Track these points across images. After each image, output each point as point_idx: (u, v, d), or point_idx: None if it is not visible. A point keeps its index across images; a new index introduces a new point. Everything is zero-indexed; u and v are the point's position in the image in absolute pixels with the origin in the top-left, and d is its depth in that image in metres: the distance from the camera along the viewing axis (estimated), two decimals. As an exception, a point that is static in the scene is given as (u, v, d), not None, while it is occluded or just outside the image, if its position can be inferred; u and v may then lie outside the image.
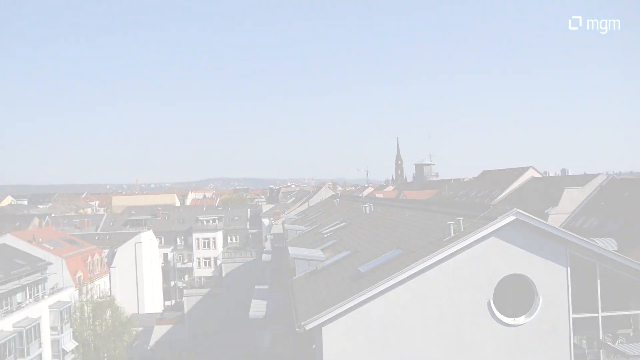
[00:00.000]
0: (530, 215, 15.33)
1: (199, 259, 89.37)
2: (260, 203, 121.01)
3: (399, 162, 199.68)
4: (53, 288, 51.77)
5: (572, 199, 42.53)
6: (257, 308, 22.36)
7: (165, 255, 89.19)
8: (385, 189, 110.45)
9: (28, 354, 41.73)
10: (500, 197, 53.45)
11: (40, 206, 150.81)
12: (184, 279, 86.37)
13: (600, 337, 16.13)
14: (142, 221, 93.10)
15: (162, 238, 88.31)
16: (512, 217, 15.09)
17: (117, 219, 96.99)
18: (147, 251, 73.73)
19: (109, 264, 68.92)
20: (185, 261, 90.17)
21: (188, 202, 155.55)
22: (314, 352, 15.86)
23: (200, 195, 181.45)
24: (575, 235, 15.83)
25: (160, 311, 70.85)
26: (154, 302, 74.37)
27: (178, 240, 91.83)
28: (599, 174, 45.07)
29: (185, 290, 63.49)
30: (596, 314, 15.91)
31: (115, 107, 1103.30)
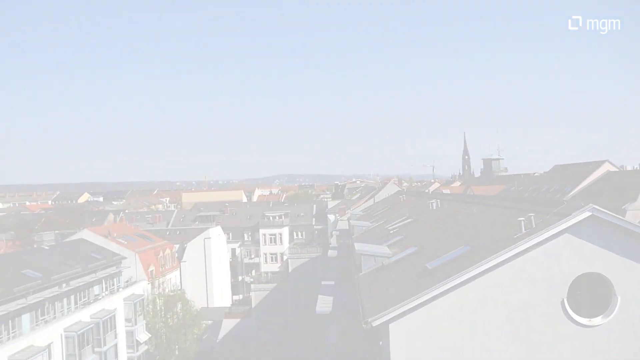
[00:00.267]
0: (607, 211, 14.65)
1: (265, 254, 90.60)
2: (325, 199, 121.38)
3: (466, 157, 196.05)
4: (127, 281, 53.61)
5: (651, 194, 40.44)
6: (324, 304, 22.42)
7: (233, 250, 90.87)
8: (452, 185, 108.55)
9: (105, 344, 43.33)
10: (573, 192, 51.44)
11: (114, 203, 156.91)
12: (251, 274, 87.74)
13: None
14: (211, 217, 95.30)
15: (230, 233, 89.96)
16: (587, 213, 14.47)
17: (186, 215, 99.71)
18: (216, 246, 75.25)
19: (180, 258, 70.83)
20: (253, 256, 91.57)
21: (255, 198, 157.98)
22: (380, 348, 15.75)
23: (266, 192, 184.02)
24: (657, 232, 15.01)
25: (229, 305, 72.20)
26: (222, 296, 75.90)
27: (245, 235, 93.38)
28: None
29: (252, 285, 64.39)
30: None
31: (184, 107, 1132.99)
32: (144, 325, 50.91)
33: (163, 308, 55.05)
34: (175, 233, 79.74)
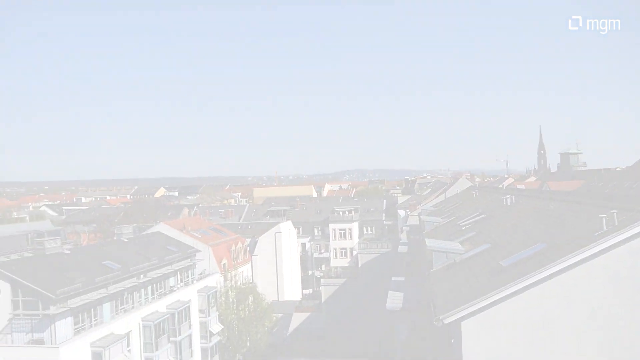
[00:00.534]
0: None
1: (335, 249, 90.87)
2: (395, 194, 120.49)
3: (542, 151, 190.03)
4: (201, 274, 55.00)
5: None
6: (394, 300, 22.25)
7: (303, 245, 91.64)
8: (527, 180, 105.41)
9: (179, 334, 44.64)
10: (658, 188, 48.81)
11: (189, 197, 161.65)
12: (321, 268, 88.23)
13: None
14: (282, 212, 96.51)
15: (300, 228, 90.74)
16: (677, 210, 13.62)
17: (258, 210, 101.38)
18: (286, 241, 76.07)
19: (251, 252, 72.06)
20: (322, 251, 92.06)
21: (325, 193, 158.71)
22: (452, 346, 15.42)
23: (336, 187, 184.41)
24: None
25: (299, 299, 72.92)
26: (292, 290, 76.68)
27: (315, 230, 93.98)
28: None
29: (322, 280, 64.72)
30: None
31: (256, 104, 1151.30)
32: (217, 316, 52.05)
33: (235, 300, 56.09)
34: (246, 227, 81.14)
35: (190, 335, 46.79)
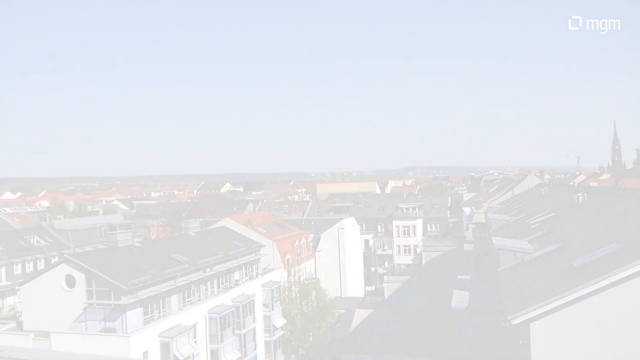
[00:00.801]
0: None
1: (398, 246, 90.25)
2: (460, 191, 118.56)
3: (617, 147, 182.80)
4: (265, 268, 55.72)
5: None
6: (460, 298, 21.84)
7: (366, 241, 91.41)
8: (600, 177, 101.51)
9: (244, 327, 45.41)
10: None
11: (254, 193, 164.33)
12: (384, 265, 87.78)
13: None
14: (345, 208, 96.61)
15: (364, 225, 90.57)
16: None
17: (321, 206, 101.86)
18: (350, 237, 76.09)
19: (314, 248, 72.47)
20: (386, 248, 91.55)
21: (388, 189, 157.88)
22: (520, 348, 14.98)
23: (400, 183, 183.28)
24: None
25: (362, 296, 72.78)
26: (355, 286, 76.67)
27: (379, 227, 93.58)
28: None
29: (385, 277, 64.26)
30: None
31: (319, 101, 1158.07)
32: (280, 311, 52.64)
33: (298, 295, 56.56)
34: (310, 223, 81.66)
35: (254, 329, 47.52)
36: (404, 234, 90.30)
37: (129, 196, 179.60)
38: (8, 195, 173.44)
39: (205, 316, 41.69)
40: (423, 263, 62.00)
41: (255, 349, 47.61)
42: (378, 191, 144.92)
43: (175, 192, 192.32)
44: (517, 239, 23.68)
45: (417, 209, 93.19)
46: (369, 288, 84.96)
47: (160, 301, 38.57)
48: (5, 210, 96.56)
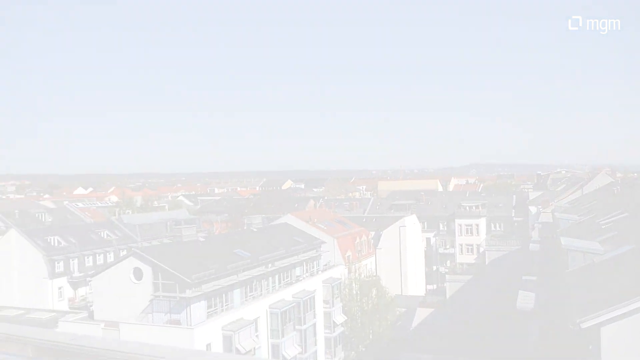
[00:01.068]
0: None
1: (461, 245, 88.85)
2: (526, 190, 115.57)
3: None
4: (326, 265, 55.92)
5: None
6: (525, 299, 21.30)
7: (428, 239, 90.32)
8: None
9: (304, 323, 45.74)
10: None
11: (315, 189, 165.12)
12: (446, 264, 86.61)
13: None
14: (406, 205, 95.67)
15: (425, 223, 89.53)
16: None
17: (382, 203, 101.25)
18: (411, 235, 75.40)
19: (375, 245, 72.21)
20: (448, 246, 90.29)
21: (451, 187, 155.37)
22: (589, 352, 14.42)
23: (462, 181, 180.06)
24: None
25: (423, 294, 72.05)
26: (416, 285, 75.92)
27: (441, 225, 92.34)
28: None
29: (447, 276, 63.59)
30: None
31: (379, 100, 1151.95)
32: (341, 307, 52.70)
33: (359, 292, 56.45)
34: (371, 220, 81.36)
35: (314, 325, 47.78)
36: (467, 233, 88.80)
37: (194, 192, 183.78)
38: (80, 191, 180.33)
39: (266, 311, 42.26)
40: (486, 262, 60.91)
41: (315, 344, 47.90)
42: (440, 189, 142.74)
43: (238, 189, 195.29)
44: (587, 240, 22.84)
45: (480, 207, 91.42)
46: (430, 287, 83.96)
47: (223, 295, 39.35)
48: (77, 205, 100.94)
